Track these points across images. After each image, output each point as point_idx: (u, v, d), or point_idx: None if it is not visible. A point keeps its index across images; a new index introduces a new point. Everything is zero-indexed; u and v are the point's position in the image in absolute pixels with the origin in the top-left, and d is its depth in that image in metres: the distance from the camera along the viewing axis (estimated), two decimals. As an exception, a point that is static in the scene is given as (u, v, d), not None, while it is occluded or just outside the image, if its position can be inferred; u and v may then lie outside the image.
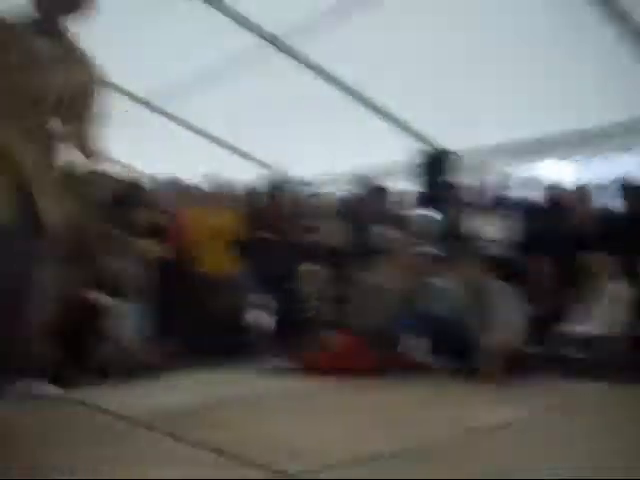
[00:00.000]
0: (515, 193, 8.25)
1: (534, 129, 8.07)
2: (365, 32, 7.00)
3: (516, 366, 5.24)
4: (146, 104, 9.62)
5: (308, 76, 8.04)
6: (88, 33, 3.02)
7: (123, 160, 10.49)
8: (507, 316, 5.30)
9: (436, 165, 8.79)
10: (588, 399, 4.70)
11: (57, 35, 2.92)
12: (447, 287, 6.56)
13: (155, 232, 7.20)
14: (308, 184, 9.74)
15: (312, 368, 5.67)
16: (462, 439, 3.42)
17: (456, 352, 5.51)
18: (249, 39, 7.61)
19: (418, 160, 8.98)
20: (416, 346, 5.70)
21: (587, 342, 5.95)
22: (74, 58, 2.96)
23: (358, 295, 6.32)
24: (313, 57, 7.85)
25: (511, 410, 4.13)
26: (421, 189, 8.94)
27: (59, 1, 2.89)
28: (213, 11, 7.21)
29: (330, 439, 3.40)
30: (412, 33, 6.97)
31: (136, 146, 10.20)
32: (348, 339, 5.84)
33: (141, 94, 9.45)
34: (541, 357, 5.93)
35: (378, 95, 8.32)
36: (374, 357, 5.58)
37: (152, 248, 7.04)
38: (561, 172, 9.02)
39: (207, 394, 4.70)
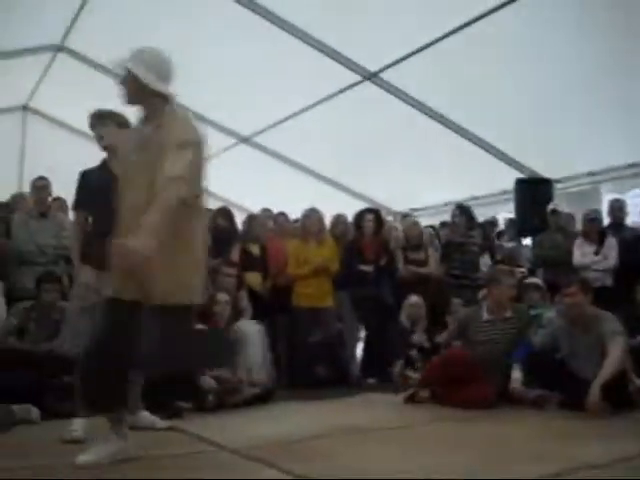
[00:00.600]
0: (618, 219, 7.98)
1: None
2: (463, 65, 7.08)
3: (623, 399, 5.06)
4: (248, 141, 9.91)
5: (405, 109, 8.10)
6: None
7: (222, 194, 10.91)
8: (611, 347, 5.12)
9: (537, 193, 8.62)
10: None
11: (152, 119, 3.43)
12: (553, 318, 6.43)
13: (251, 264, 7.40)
14: (410, 215, 9.75)
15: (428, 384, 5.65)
16: (577, 475, 3.25)
17: (559, 384, 5.36)
18: (348, 75, 7.77)
19: (518, 189, 8.82)
20: (523, 379, 5.56)
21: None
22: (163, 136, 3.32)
23: (462, 326, 6.24)
24: (409, 90, 7.91)
25: (624, 445, 3.95)
26: (522, 218, 8.77)
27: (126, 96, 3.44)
28: (312, 51, 7.41)
29: (437, 473, 3.27)
30: (507, 65, 6.98)
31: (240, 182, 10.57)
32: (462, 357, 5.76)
33: (245, 133, 9.76)
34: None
35: (474, 126, 8.29)
36: (488, 388, 5.47)
37: (254, 281, 7.23)
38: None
39: (307, 424, 4.71)
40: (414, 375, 6.02)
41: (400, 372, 6.18)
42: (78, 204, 4.61)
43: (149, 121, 3.46)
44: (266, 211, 8.98)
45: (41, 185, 6.88)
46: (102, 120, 4.55)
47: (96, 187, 4.45)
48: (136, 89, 3.39)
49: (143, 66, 3.37)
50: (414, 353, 6.23)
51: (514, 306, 6.18)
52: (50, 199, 7.05)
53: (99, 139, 4.55)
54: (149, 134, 3.40)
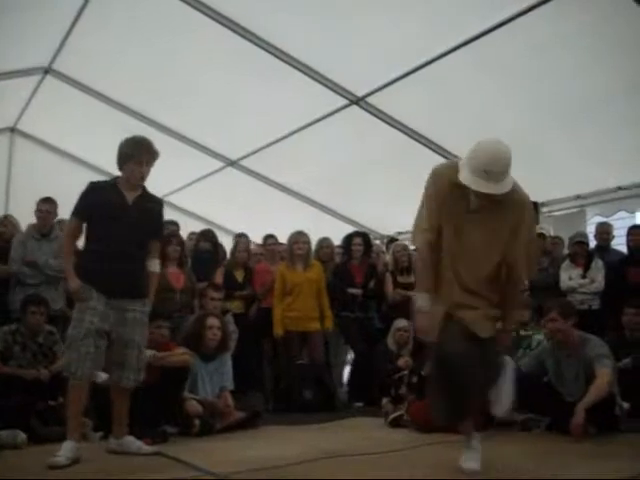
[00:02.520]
0: (604, 242, 8.03)
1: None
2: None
3: (608, 421, 5.07)
4: (235, 164, 9.93)
5: (392, 132, 8.13)
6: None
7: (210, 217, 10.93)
8: (598, 370, 5.13)
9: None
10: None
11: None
12: (543, 341, 6.43)
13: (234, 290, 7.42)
14: (396, 239, 9.76)
15: (416, 418, 5.60)
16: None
17: (546, 407, 5.37)
18: (335, 99, 7.80)
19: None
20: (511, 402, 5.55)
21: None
22: None
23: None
24: (396, 114, 7.95)
25: (609, 465, 3.94)
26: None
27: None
28: (300, 75, 7.46)
29: None
30: (494, 88, 7.04)
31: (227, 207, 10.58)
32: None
33: (233, 156, 9.78)
34: (636, 411, 5.72)
35: (461, 149, 8.30)
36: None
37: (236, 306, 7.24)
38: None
39: (293, 449, 4.67)
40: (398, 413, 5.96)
41: (387, 408, 6.13)
42: (77, 211, 4.57)
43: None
44: (270, 237, 8.86)
45: (45, 209, 6.93)
46: None
47: (99, 202, 4.47)
48: None
49: None
50: (403, 390, 6.18)
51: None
52: (55, 220, 7.08)
53: None
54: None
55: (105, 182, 4.76)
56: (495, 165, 3.42)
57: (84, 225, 4.56)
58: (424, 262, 3.76)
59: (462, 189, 3.54)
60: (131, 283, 4.49)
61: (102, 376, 4.77)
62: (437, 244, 3.70)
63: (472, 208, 3.63)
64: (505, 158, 3.46)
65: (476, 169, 3.43)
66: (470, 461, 3.70)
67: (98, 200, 4.49)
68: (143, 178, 4.57)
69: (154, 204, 4.69)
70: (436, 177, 3.73)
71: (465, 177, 3.47)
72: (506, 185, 3.48)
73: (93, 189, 4.58)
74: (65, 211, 5.47)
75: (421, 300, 3.68)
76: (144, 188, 4.63)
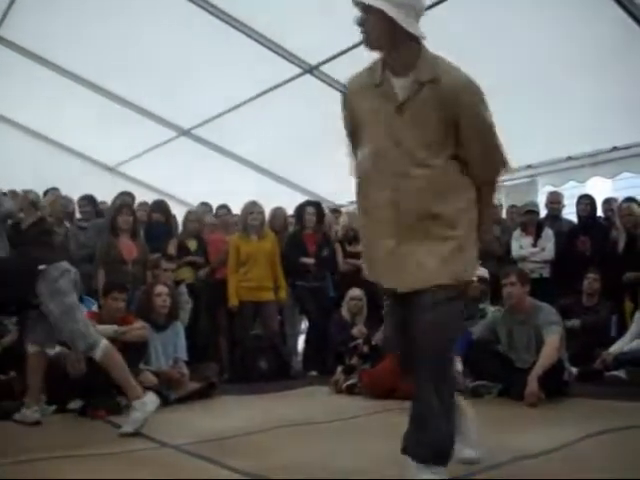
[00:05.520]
0: (555, 211, 8.15)
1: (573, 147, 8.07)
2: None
3: (557, 387, 5.18)
4: (188, 134, 9.83)
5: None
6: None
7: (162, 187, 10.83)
8: (548, 337, 5.23)
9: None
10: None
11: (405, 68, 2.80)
12: (490, 309, 6.53)
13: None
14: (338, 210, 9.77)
15: (368, 386, 5.68)
16: (515, 465, 3.25)
17: (494, 374, 5.46)
18: (288, 68, 7.74)
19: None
20: (463, 370, 5.63)
21: (632, 360, 5.87)
22: None
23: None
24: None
25: (562, 432, 4.00)
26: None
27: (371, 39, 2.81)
28: (253, 43, 7.38)
29: (375, 462, 3.31)
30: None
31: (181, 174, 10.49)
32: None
33: (186, 125, 9.67)
34: (583, 376, 5.87)
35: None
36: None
37: (188, 275, 7.20)
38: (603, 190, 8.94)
39: (249, 419, 4.69)
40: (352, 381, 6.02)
41: (338, 377, 6.17)
42: None
43: (400, 70, 2.79)
44: (204, 205, 8.93)
45: None
46: None
47: None
48: (384, 30, 2.72)
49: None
50: (355, 360, 6.24)
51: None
52: None
53: None
54: (415, 88, 2.75)
55: None
56: None
57: None
58: None
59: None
60: None
61: (54, 349, 4.73)
62: None
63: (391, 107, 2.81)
64: None
65: None
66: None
67: None
68: None
69: None
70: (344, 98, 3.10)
71: None
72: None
73: None
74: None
75: None
76: None
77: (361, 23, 2.76)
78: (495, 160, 2.89)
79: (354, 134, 3.02)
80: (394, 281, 2.87)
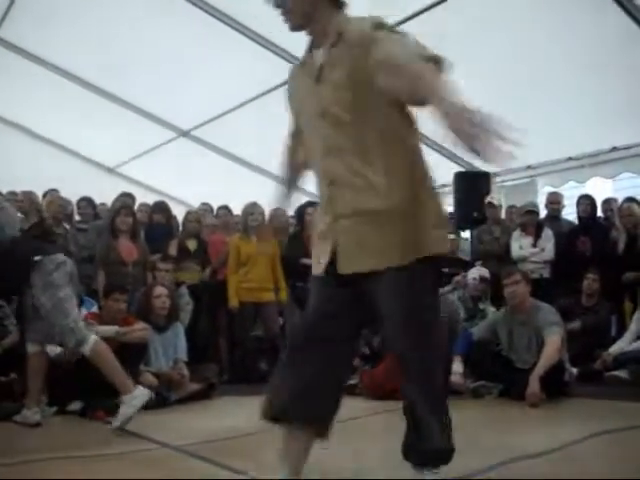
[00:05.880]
0: (554, 212, 8.15)
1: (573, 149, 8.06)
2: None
3: (558, 387, 5.18)
4: (188, 135, 9.83)
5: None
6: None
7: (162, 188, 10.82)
8: (548, 338, 5.23)
9: (475, 186, 8.70)
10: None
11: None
12: (490, 309, 6.54)
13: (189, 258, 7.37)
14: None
15: (369, 387, 5.68)
16: (517, 465, 3.25)
17: (495, 375, 5.47)
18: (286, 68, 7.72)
19: (457, 182, 8.89)
20: (463, 371, 5.63)
21: (632, 360, 5.87)
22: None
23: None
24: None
25: (562, 432, 4.01)
26: (461, 211, 8.86)
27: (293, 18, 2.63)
28: (252, 44, 7.40)
29: (375, 463, 3.33)
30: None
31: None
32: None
33: (185, 126, 9.68)
34: (584, 376, 5.87)
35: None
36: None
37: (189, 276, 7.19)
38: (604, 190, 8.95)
39: (246, 419, 4.66)
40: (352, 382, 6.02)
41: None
42: None
43: (321, 41, 2.61)
44: (204, 205, 8.93)
45: None
46: None
47: None
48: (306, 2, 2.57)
49: None
50: (356, 362, 6.24)
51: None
52: None
53: None
54: (327, 53, 2.57)
55: None
56: None
57: None
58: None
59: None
60: None
61: (55, 350, 4.72)
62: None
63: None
64: None
65: None
66: None
67: None
68: None
69: None
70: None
71: None
72: None
73: None
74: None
75: None
76: None
77: (280, 4, 2.61)
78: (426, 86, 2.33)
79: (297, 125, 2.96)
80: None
